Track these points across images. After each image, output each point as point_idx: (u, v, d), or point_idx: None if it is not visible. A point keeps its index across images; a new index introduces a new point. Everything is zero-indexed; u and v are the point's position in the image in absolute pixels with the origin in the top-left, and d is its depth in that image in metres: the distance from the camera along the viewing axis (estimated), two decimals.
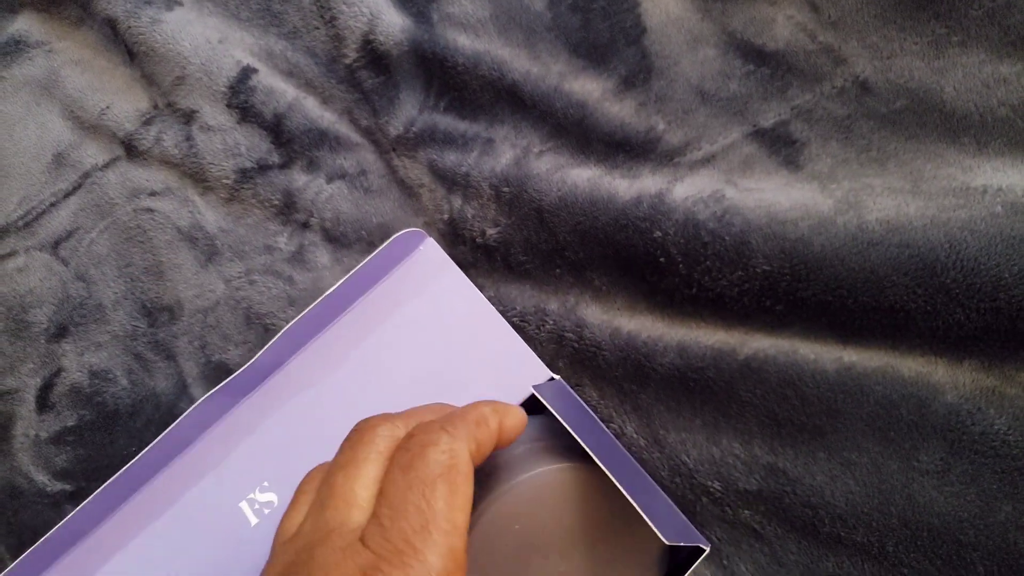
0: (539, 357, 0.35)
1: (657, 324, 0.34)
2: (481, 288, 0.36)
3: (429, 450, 0.22)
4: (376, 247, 0.37)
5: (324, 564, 0.20)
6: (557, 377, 0.29)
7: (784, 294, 0.33)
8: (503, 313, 0.35)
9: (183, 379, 0.37)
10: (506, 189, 0.36)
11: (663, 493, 0.27)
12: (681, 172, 0.35)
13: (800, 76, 0.36)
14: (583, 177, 0.35)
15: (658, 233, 0.33)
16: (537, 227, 0.35)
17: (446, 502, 0.21)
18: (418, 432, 0.23)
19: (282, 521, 0.24)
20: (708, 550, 0.26)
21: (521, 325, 0.35)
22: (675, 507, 0.27)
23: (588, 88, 0.37)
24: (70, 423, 0.37)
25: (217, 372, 0.37)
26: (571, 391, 0.28)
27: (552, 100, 0.36)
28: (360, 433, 0.24)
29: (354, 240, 0.37)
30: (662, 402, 0.33)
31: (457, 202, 0.37)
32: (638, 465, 0.28)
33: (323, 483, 0.23)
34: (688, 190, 0.34)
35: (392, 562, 0.19)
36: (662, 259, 0.34)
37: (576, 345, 0.34)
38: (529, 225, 0.35)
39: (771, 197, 0.33)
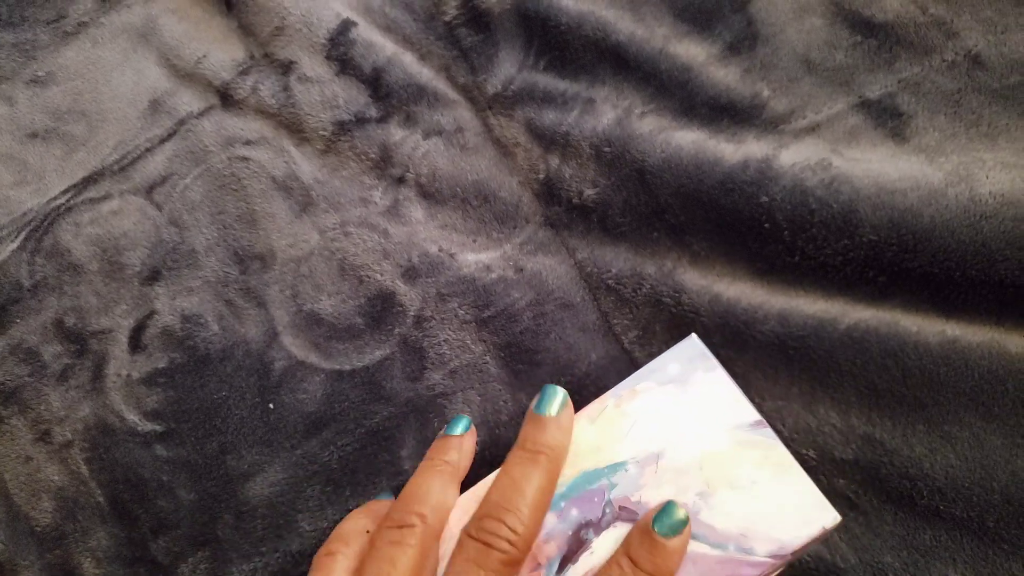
0: (636, 322, 0.35)
1: (757, 291, 0.34)
2: (574, 251, 0.36)
3: (403, 532, 0.28)
4: (470, 205, 0.38)
5: None
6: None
7: (889, 265, 0.32)
8: (598, 275, 0.36)
9: (274, 327, 0.37)
10: (607, 149, 0.36)
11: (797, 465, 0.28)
12: (786, 139, 0.35)
13: (909, 48, 0.35)
14: (687, 139, 0.35)
15: (764, 198, 0.33)
16: (638, 188, 0.35)
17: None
18: (394, 518, 0.28)
19: None
20: (828, 527, 0.27)
21: (617, 288, 0.35)
22: (808, 480, 0.28)
23: (693, 52, 0.37)
24: (161, 365, 0.37)
25: (308, 321, 0.37)
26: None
27: (657, 62, 0.36)
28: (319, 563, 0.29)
29: (449, 197, 0.38)
30: (759, 369, 0.33)
31: (554, 161, 0.37)
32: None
33: None
34: (794, 157, 0.34)
35: None
36: (767, 225, 0.33)
37: (674, 310, 0.34)
38: (629, 186, 0.35)
39: (878, 167, 0.33)
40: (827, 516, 0.28)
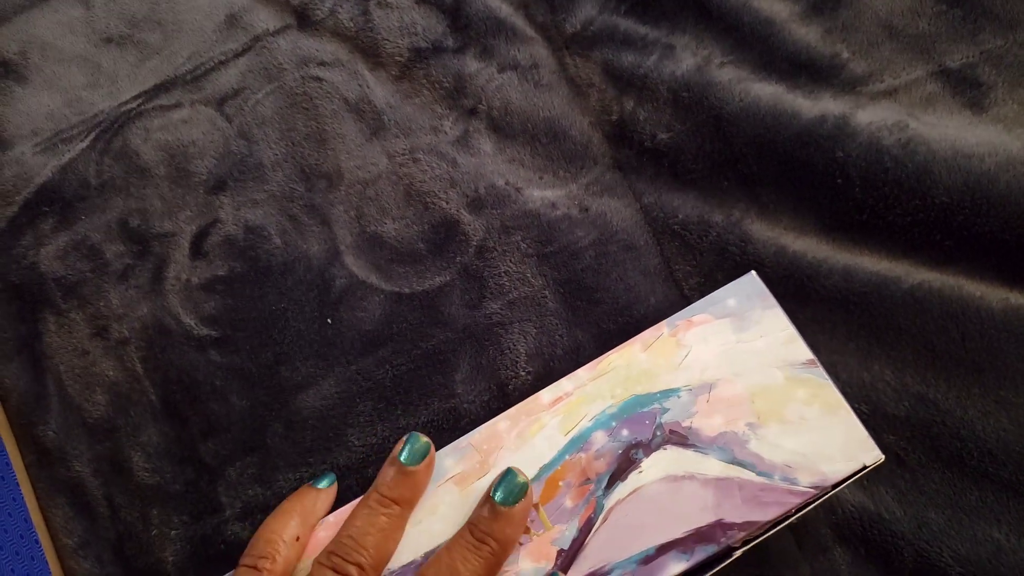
0: (698, 269, 0.35)
1: (823, 246, 0.34)
2: (640, 194, 0.37)
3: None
4: (540, 141, 0.38)
5: None
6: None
7: (958, 228, 0.33)
8: (664, 220, 0.36)
9: (336, 245, 0.38)
10: (685, 94, 0.36)
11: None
12: (863, 101, 0.35)
13: (994, 21, 0.35)
14: (766, 91, 0.35)
15: (840, 153, 0.34)
16: (713, 135, 0.35)
17: None
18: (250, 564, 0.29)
19: None
20: (869, 465, 0.27)
21: (682, 233, 0.35)
22: (855, 419, 0.28)
23: (776, 8, 0.37)
24: (221, 272, 0.38)
25: (371, 243, 0.37)
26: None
27: (740, 14, 0.36)
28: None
29: (519, 132, 0.38)
30: (818, 323, 0.34)
31: (629, 104, 0.37)
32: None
33: None
34: (871, 116, 0.34)
35: None
36: (839, 180, 0.34)
37: (738, 259, 0.35)
38: (704, 132, 0.36)
39: (955, 133, 0.33)
40: (870, 454, 0.28)
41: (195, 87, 0.40)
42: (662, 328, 0.31)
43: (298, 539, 0.30)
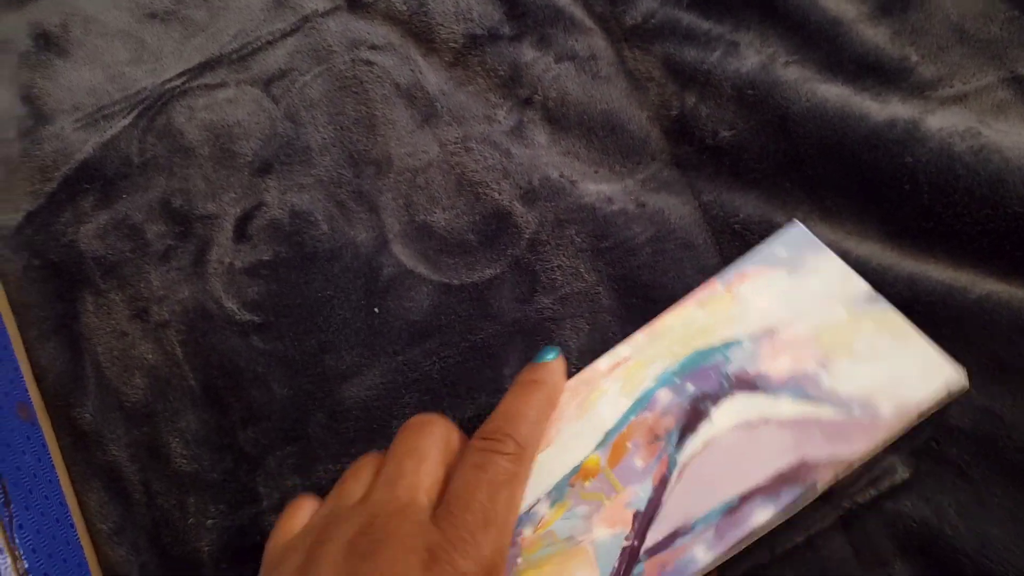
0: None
1: (887, 253, 0.33)
2: (699, 192, 0.36)
3: (499, 458, 0.26)
4: (596, 134, 0.37)
5: (400, 532, 0.24)
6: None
7: None
8: (723, 219, 0.35)
9: (384, 234, 0.37)
10: (750, 92, 0.35)
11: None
12: (931, 105, 0.34)
13: None
14: (832, 92, 0.34)
15: (909, 159, 0.33)
16: (777, 135, 0.35)
17: (506, 506, 0.26)
18: (490, 435, 0.27)
19: (339, 488, 0.28)
20: (954, 389, 0.27)
21: (743, 233, 0.35)
22: (929, 343, 0.27)
23: (843, 8, 0.36)
24: (266, 257, 0.37)
25: (420, 232, 0.36)
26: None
27: (807, 13, 0.36)
28: (422, 427, 0.28)
29: (575, 124, 0.37)
30: None
31: (691, 99, 0.36)
32: None
33: (390, 463, 0.27)
34: (941, 122, 0.33)
35: (456, 546, 0.24)
36: (907, 186, 0.33)
37: None
38: (768, 132, 0.35)
39: None
40: (952, 376, 0.26)
41: (241, 66, 0.39)
42: (715, 284, 0.30)
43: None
